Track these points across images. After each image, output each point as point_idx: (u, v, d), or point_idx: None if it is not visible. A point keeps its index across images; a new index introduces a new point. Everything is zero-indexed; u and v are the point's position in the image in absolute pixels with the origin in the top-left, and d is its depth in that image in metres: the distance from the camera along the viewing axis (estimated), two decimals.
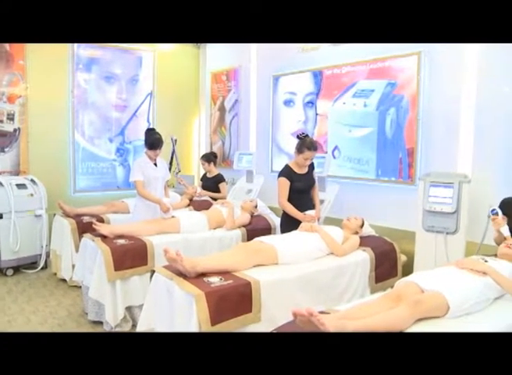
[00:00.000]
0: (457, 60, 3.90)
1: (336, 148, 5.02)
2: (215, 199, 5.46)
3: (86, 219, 4.83)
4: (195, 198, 5.56)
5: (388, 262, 3.73)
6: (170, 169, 5.77)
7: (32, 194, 5.04)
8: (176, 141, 6.27)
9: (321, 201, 4.37)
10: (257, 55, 6.15)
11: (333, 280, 3.27)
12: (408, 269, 3.77)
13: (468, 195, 3.56)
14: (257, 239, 3.42)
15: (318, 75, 5.17)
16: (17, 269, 5.03)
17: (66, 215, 4.94)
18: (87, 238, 3.89)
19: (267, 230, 4.59)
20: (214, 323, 2.55)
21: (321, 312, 2.17)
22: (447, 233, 3.62)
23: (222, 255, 3.18)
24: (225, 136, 6.80)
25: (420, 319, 2.16)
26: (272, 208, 5.12)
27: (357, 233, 3.79)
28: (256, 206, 4.85)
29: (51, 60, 5.88)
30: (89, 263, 3.73)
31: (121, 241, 3.72)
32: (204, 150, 7.08)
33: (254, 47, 6.15)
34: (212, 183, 5.70)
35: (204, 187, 5.74)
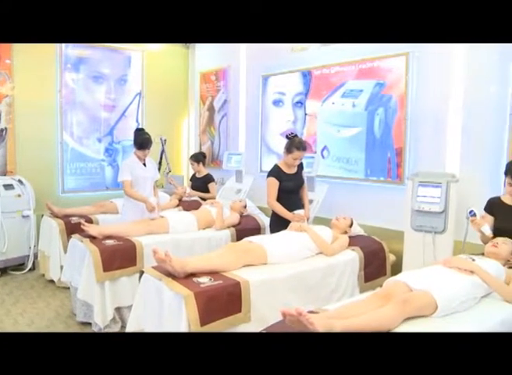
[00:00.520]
0: (445, 61, 3.93)
1: (324, 148, 5.04)
2: (204, 199, 5.45)
3: (74, 219, 4.80)
4: (184, 198, 5.56)
5: (377, 262, 3.75)
6: (159, 169, 5.75)
7: (19, 195, 5.00)
8: (165, 141, 6.25)
9: (310, 201, 4.38)
10: (246, 55, 6.15)
11: (322, 279, 3.28)
12: (397, 269, 3.80)
13: (456, 195, 3.59)
14: (246, 239, 3.42)
15: (307, 75, 5.18)
16: (4, 270, 4.99)
17: (54, 215, 4.91)
18: (75, 239, 3.87)
19: (256, 230, 4.59)
20: (203, 323, 2.55)
21: (311, 312, 2.18)
22: (435, 232, 3.64)
23: (212, 256, 3.17)
24: (215, 136, 6.79)
25: (408, 318, 2.17)
26: (261, 209, 5.13)
27: (346, 232, 3.80)
28: (245, 206, 4.85)
29: (39, 59, 5.82)
30: (77, 264, 3.71)
31: (110, 242, 3.70)
32: (194, 150, 7.06)
33: (243, 47, 6.15)
34: (202, 184, 5.70)
35: (193, 188, 5.73)
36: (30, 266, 5.07)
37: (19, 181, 5.13)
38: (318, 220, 4.40)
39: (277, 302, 2.84)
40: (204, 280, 2.75)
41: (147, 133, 4.38)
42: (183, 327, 2.51)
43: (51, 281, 4.69)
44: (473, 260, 2.62)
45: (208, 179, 5.70)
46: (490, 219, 3.16)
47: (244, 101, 6.22)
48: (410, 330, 2.07)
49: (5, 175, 5.52)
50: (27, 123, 5.75)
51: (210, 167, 6.48)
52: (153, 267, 3.01)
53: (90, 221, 4.75)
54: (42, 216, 5.07)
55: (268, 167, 4.31)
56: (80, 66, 6.20)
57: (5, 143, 5.64)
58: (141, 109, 6.79)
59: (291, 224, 3.72)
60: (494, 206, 3.20)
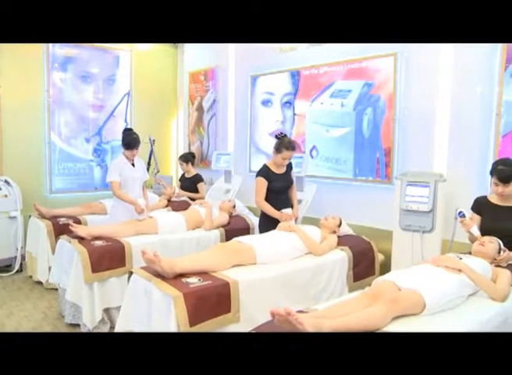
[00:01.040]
0: (433, 61, 3.96)
1: (313, 147, 5.05)
2: (193, 199, 5.45)
3: (62, 220, 4.77)
4: (173, 199, 5.54)
5: (366, 261, 3.77)
6: (148, 169, 5.73)
7: (6, 196, 4.95)
8: (154, 141, 6.22)
9: (299, 201, 4.39)
10: (235, 55, 6.14)
11: (312, 279, 3.29)
12: (386, 268, 3.82)
13: (444, 194, 3.62)
14: (235, 239, 3.42)
15: (295, 75, 5.19)
16: None
17: (42, 217, 4.87)
18: (63, 240, 3.84)
19: (245, 230, 4.60)
20: (192, 324, 2.55)
21: (300, 312, 2.18)
22: (423, 231, 3.67)
23: (201, 256, 3.17)
24: (204, 136, 6.78)
25: (397, 317, 2.18)
26: (250, 209, 5.13)
27: (334, 232, 3.82)
28: (234, 206, 4.85)
29: (26, 59, 5.76)
30: (66, 265, 3.69)
31: (98, 243, 3.68)
32: (182, 150, 7.04)
33: (231, 47, 6.14)
34: (190, 184, 5.69)
35: (182, 188, 5.72)
36: (17, 267, 5.03)
37: (6, 182, 5.08)
38: (307, 220, 4.42)
39: (266, 302, 2.85)
40: (193, 281, 2.75)
41: (134, 133, 4.36)
42: (172, 328, 2.50)
43: (39, 283, 4.65)
44: (460, 259, 2.64)
45: (197, 179, 5.69)
46: (477, 218, 3.20)
47: (233, 101, 6.21)
48: (399, 328, 2.08)
49: None
50: (14, 122, 5.69)
51: (199, 167, 6.46)
52: (142, 268, 3.00)
53: (78, 222, 4.73)
54: (30, 216, 5.03)
55: (257, 167, 4.31)
56: (68, 65, 6.15)
57: None
58: (130, 109, 6.75)
59: (280, 224, 3.72)
60: (481, 206, 3.23)
